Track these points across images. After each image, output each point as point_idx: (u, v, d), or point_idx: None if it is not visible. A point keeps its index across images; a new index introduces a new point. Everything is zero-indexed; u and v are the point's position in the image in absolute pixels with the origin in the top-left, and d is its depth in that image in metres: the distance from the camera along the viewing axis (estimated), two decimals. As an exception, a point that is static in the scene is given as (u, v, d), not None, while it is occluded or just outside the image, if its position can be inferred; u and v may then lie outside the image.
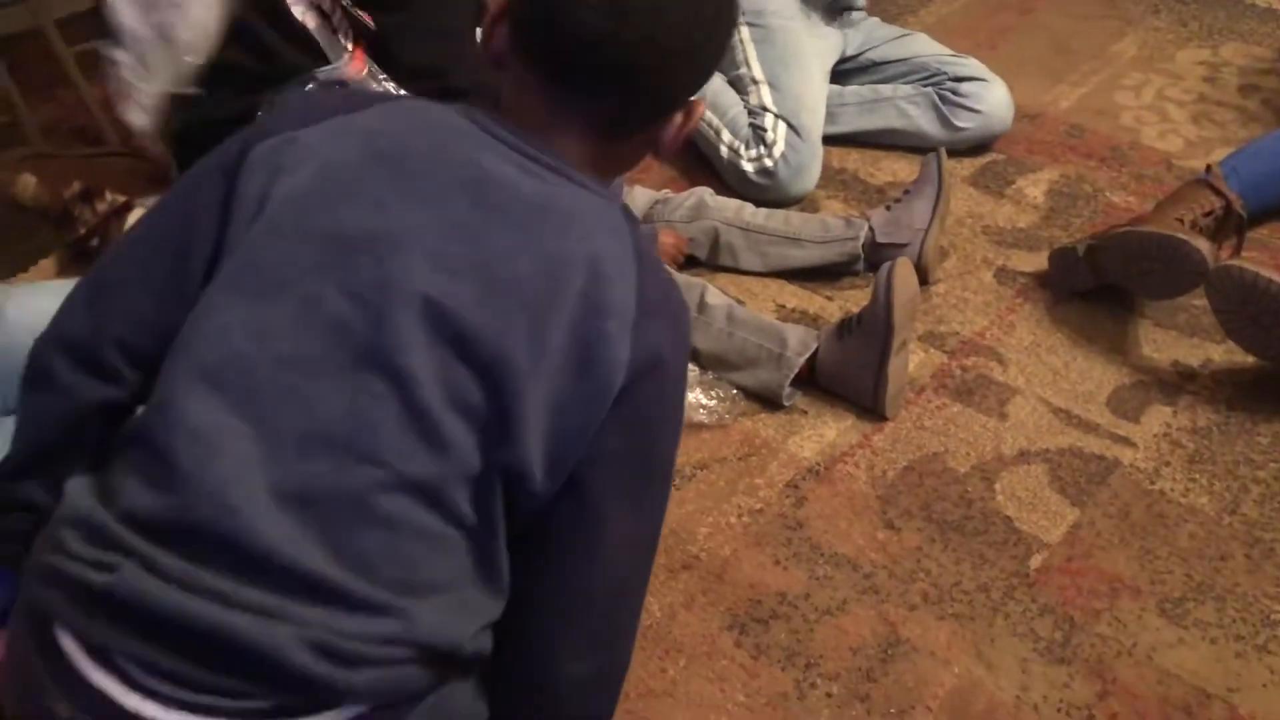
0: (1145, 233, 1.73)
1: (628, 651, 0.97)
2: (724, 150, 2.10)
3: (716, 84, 2.17)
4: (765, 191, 2.06)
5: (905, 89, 2.21)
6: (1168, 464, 1.60)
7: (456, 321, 0.82)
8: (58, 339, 0.92)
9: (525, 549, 0.89)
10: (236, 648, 0.77)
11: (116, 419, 0.92)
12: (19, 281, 1.73)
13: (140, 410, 0.88)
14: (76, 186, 1.82)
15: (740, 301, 1.82)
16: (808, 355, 1.65)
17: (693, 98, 0.94)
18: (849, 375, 1.66)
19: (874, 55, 2.28)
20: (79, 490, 0.85)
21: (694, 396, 1.64)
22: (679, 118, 0.93)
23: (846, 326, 1.66)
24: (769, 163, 2.05)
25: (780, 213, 1.97)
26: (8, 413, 1.35)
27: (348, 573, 0.80)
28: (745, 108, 2.12)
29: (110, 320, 0.90)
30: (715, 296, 1.73)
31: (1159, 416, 1.67)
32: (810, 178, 2.08)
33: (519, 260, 0.84)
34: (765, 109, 2.09)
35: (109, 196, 1.82)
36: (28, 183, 1.82)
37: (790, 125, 2.07)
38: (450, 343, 0.82)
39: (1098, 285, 1.84)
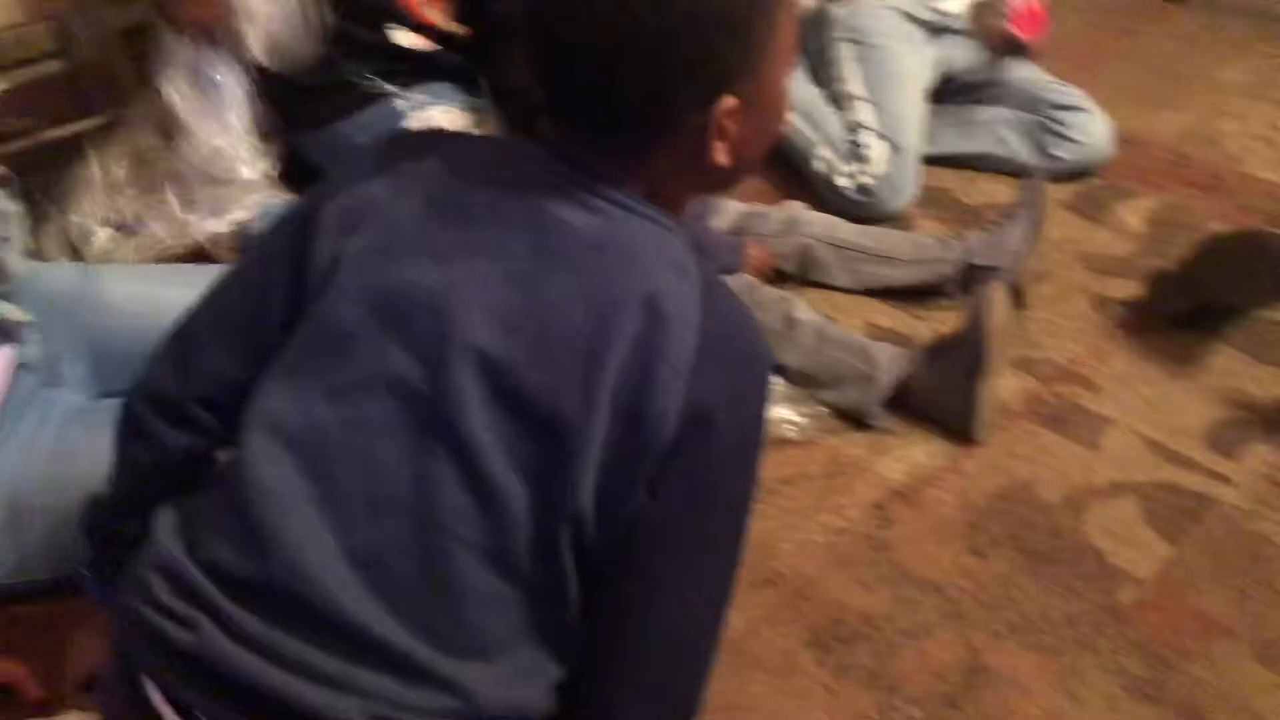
0: (1232, 231, 1.72)
1: (695, 709, 0.93)
2: (821, 165, 2.09)
3: (813, 97, 2.17)
4: (861, 208, 2.05)
5: (1004, 114, 2.19)
6: (1266, 503, 1.56)
7: (511, 378, 0.81)
8: (148, 396, 0.97)
9: (589, 608, 0.86)
10: (309, 717, 0.79)
11: (206, 462, 0.97)
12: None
13: (225, 457, 0.92)
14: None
15: (831, 319, 1.81)
16: (898, 376, 1.64)
17: (722, 96, 0.83)
18: (940, 399, 1.64)
19: (974, 77, 2.25)
20: (167, 533, 0.87)
21: (782, 412, 1.63)
22: (712, 122, 0.82)
23: (938, 349, 1.65)
24: (867, 180, 2.04)
25: (873, 230, 1.96)
26: (107, 395, 1.40)
27: (414, 639, 0.81)
28: (843, 123, 2.11)
29: (195, 380, 0.95)
30: (805, 313, 1.73)
31: (1258, 454, 1.63)
32: (907, 196, 2.07)
33: (573, 308, 0.81)
34: (865, 126, 2.08)
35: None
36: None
37: (890, 143, 2.06)
38: (507, 400, 0.81)
39: (1195, 306, 1.81)
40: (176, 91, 1.78)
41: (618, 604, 0.85)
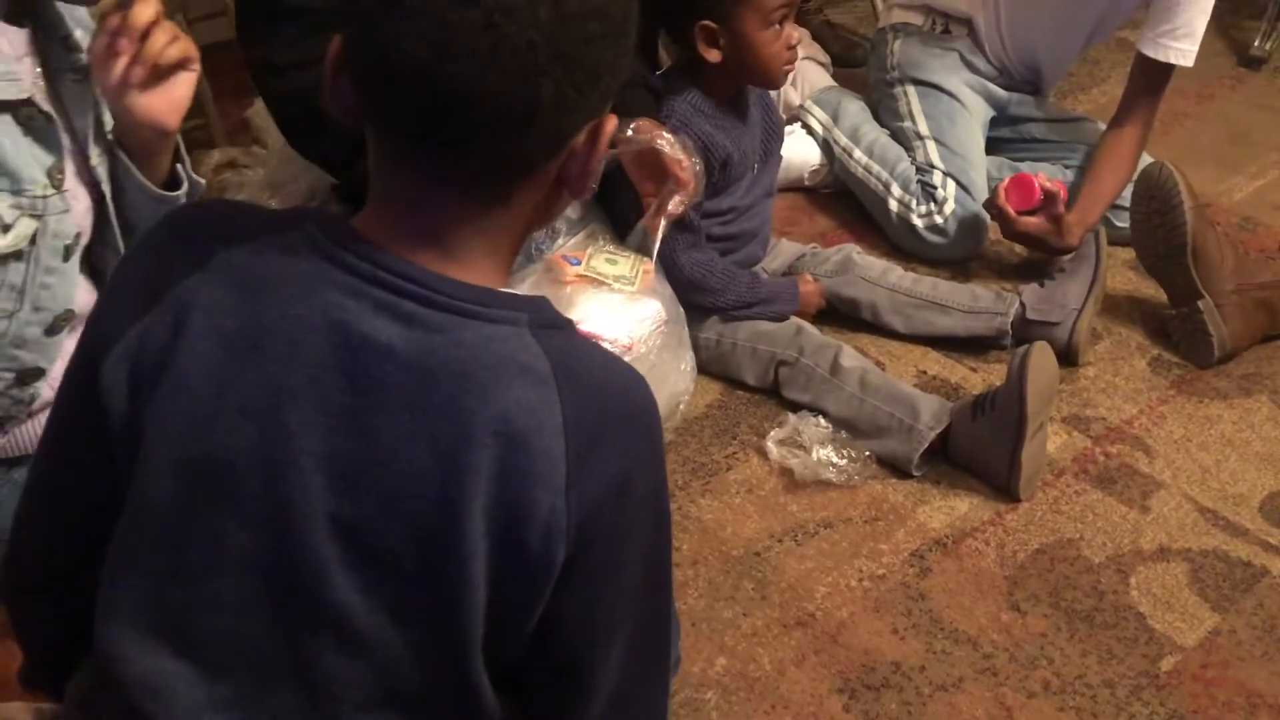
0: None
1: None
2: (894, 205, 2.08)
3: (881, 138, 2.17)
4: (936, 249, 2.05)
5: (1069, 176, 2.15)
6: (1321, 579, 1.51)
7: (369, 536, 0.72)
8: (18, 586, 0.88)
9: (517, 702, 0.80)
10: None
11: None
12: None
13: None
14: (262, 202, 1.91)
15: (880, 364, 1.80)
16: (940, 430, 1.62)
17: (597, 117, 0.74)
18: (981, 456, 1.62)
19: (1037, 131, 2.23)
20: (73, 704, 0.83)
21: (825, 454, 1.62)
22: (581, 143, 0.73)
23: (980, 406, 1.63)
24: (939, 220, 2.03)
25: (928, 279, 1.94)
26: None
27: None
28: (913, 163, 2.11)
29: (49, 566, 0.86)
30: (850, 359, 1.72)
31: (1315, 528, 1.59)
32: (981, 236, 2.06)
33: (416, 453, 0.70)
34: (934, 166, 2.07)
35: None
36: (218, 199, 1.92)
37: (959, 183, 2.05)
38: (369, 560, 0.72)
39: (1231, 345, 1.84)
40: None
41: (545, 695, 0.80)
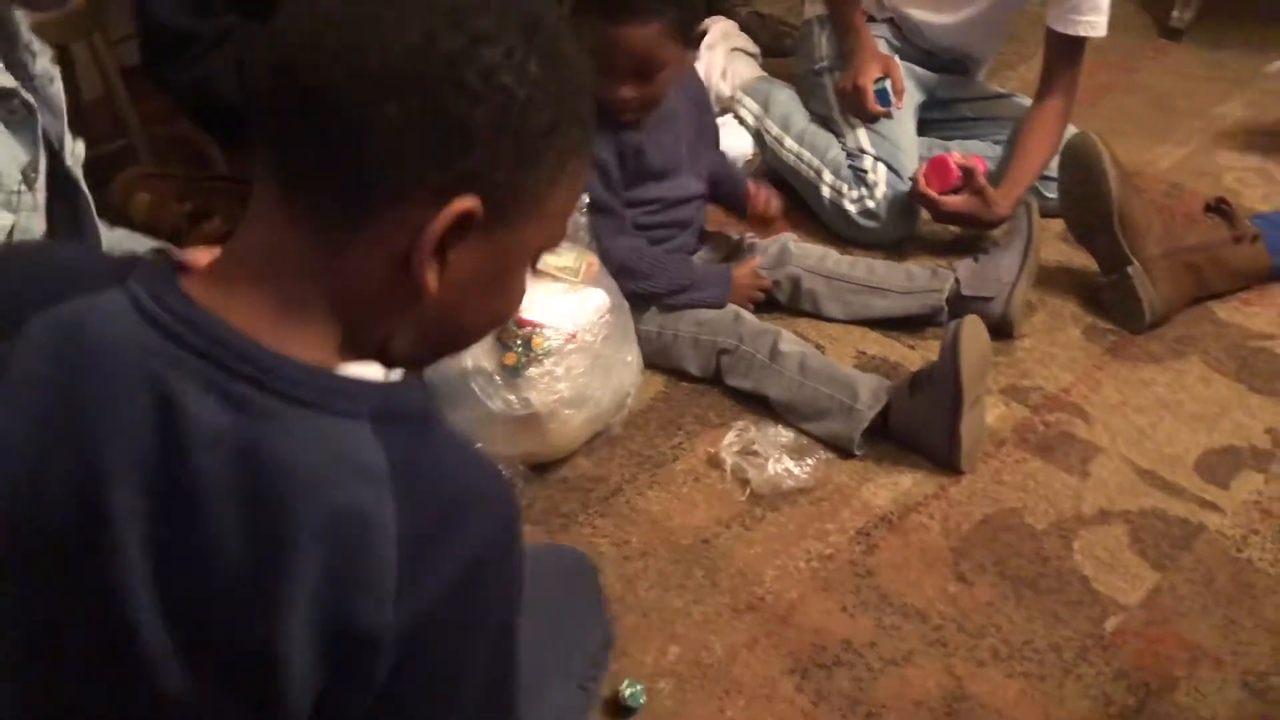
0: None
1: None
2: (826, 191, 2.10)
3: (811, 126, 2.19)
4: (869, 233, 2.07)
5: (999, 151, 2.18)
6: (1257, 532, 1.54)
7: (195, 628, 0.67)
8: None
9: None
10: None
11: None
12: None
13: None
14: (188, 207, 1.89)
15: (820, 347, 1.82)
16: (879, 408, 1.64)
17: (458, 197, 0.66)
18: (921, 432, 1.64)
19: (967, 110, 2.26)
20: None
21: (783, 466, 1.61)
22: (427, 219, 0.66)
23: (917, 383, 1.65)
24: (871, 204, 2.05)
25: (864, 261, 1.96)
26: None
27: None
28: (843, 149, 2.12)
29: None
30: (789, 344, 1.73)
31: (1250, 483, 1.62)
32: (914, 217, 2.08)
33: (237, 548, 0.64)
34: (864, 151, 2.09)
35: (216, 220, 1.89)
36: (141, 201, 1.90)
37: (889, 167, 2.07)
38: (195, 650, 0.67)
39: (1162, 309, 1.88)
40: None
41: None
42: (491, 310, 0.76)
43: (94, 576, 0.66)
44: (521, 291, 0.76)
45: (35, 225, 1.13)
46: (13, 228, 1.10)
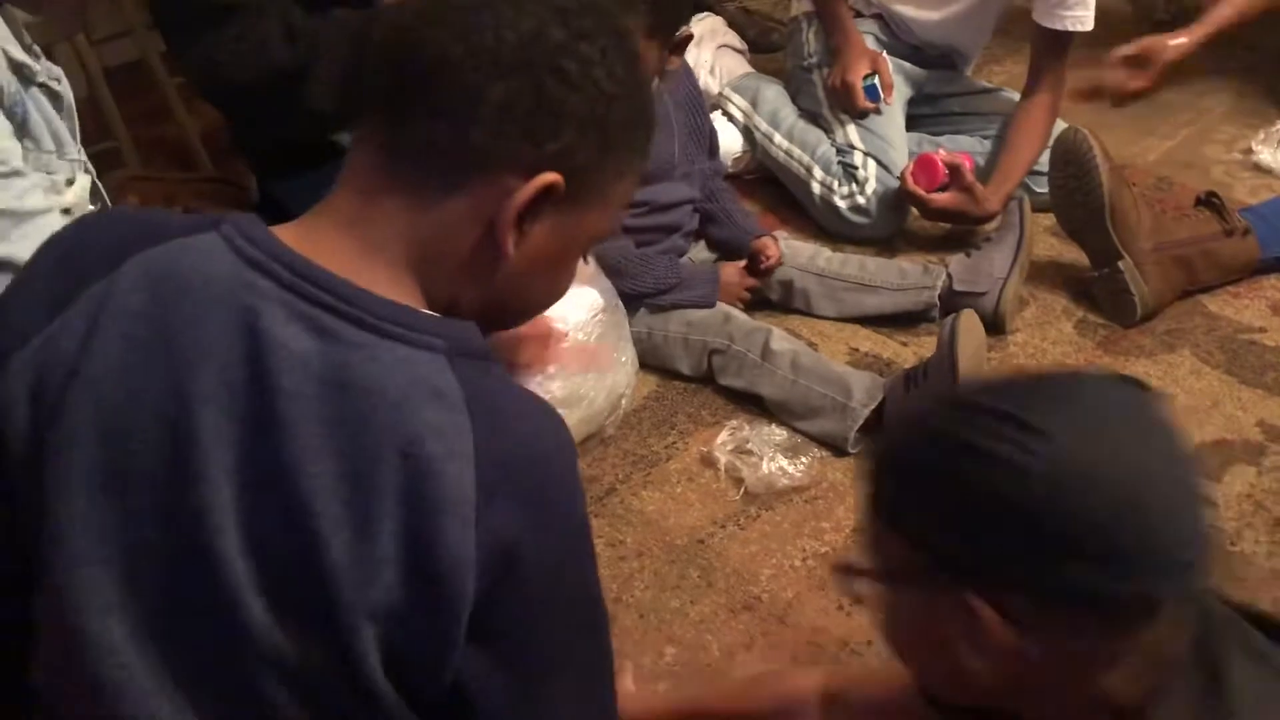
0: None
1: None
2: (816, 187, 2.10)
3: (800, 122, 2.19)
4: (860, 229, 2.07)
5: (988, 146, 2.18)
6: (1250, 525, 1.55)
7: (274, 551, 0.70)
8: None
9: None
10: None
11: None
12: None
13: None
14: (177, 210, 1.89)
15: (812, 345, 1.81)
16: (873, 406, 1.64)
17: (544, 173, 0.73)
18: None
19: (955, 105, 2.26)
20: None
21: (777, 465, 1.61)
22: (516, 188, 0.73)
23: (913, 378, 1.64)
24: (862, 200, 2.05)
25: (855, 258, 1.96)
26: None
27: None
28: (832, 145, 2.12)
29: None
30: (781, 342, 1.73)
31: (1242, 476, 1.62)
32: (904, 213, 2.08)
33: (323, 466, 0.68)
34: (853, 146, 2.09)
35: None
36: (130, 205, 1.89)
37: (879, 162, 2.07)
38: (275, 578, 0.70)
39: (1153, 303, 1.88)
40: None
41: None
42: (547, 289, 0.83)
43: (181, 498, 0.69)
44: (571, 277, 0.83)
45: (89, 191, 1.27)
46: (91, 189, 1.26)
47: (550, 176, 0.73)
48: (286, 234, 0.74)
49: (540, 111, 0.72)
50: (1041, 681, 0.74)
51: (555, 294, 0.84)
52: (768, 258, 1.89)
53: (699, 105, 1.93)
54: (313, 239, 0.73)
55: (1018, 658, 0.71)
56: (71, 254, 0.76)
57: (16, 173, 1.13)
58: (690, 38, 1.74)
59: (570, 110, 0.73)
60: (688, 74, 1.96)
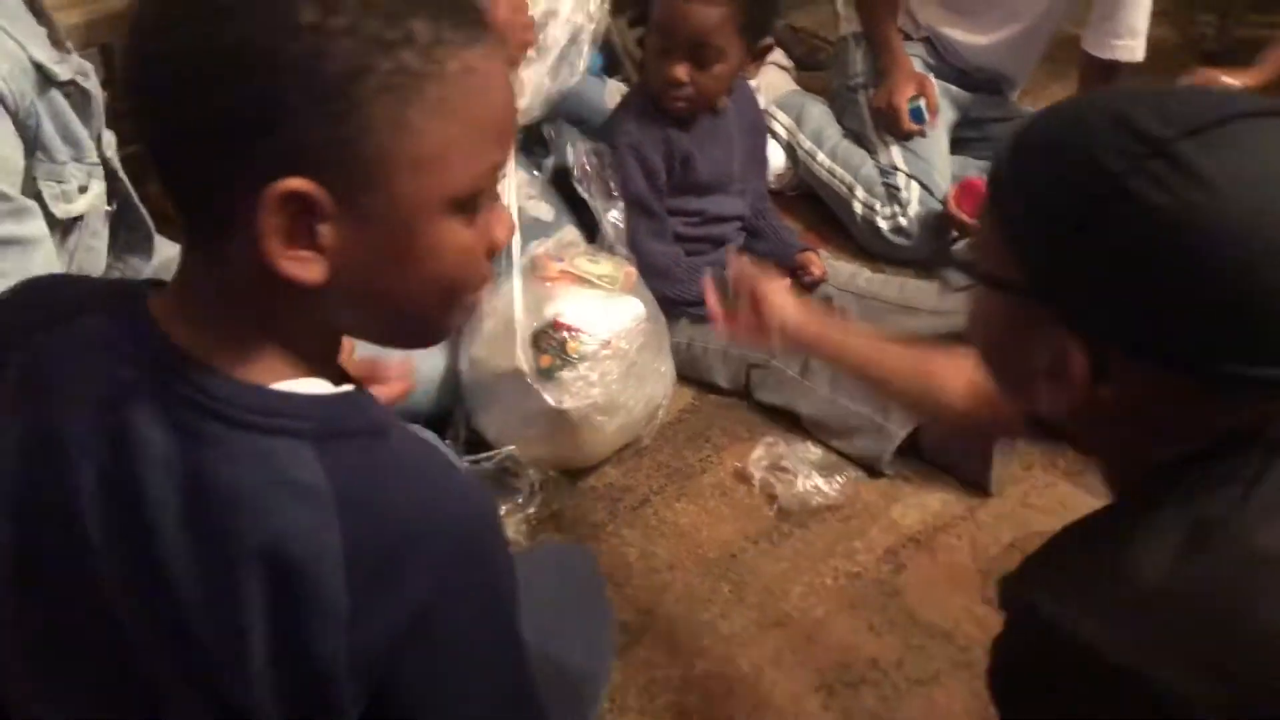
0: None
1: None
2: (858, 207, 2.11)
3: (844, 141, 2.19)
4: (901, 250, 2.07)
5: None
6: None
7: (171, 652, 0.66)
8: None
9: None
10: None
11: None
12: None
13: None
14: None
15: (850, 364, 1.82)
16: (910, 428, 1.64)
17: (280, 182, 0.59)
18: (953, 450, 1.64)
19: (998, 130, 2.26)
20: None
21: (813, 483, 1.61)
22: (263, 207, 0.59)
23: None
24: (904, 221, 2.06)
25: (896, 279, 1.96)
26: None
27: None
28: (876, 165, 2.13)
29: None
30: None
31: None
32: (946, 235, 2.09)
33: (194, 574, 0.63)
34: (896, 168, 2.10)
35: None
36: None
37: (922, 185, 2.07)
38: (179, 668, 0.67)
39: None
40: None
41: None
42: (427, 277, 0.66)
43: (91, 600, 0.66)
44: (463, 247, 0.66)
45: (104, 195, 1.26)
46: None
47: (287, 185, 0.59)
48: (160, 309, 0.67)
49: (230, 114, 0.58)
50: (1101, 426, 0.71)
51: (449, 275, 0.67)
52: (811, 273, 1.90)
53: (760, 130, 1.97)
54: (179, 316, 0.66)
55: (1089, 401, 0.68)
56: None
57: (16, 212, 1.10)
58: (771, 47, 1.76)
59: (272, 99, 0.58)
60: (753, 99, 1.98)
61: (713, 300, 1.25)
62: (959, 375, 1.02)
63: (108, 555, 0.65)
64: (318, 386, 0.67)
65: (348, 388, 0.68)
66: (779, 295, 1.18)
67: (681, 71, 1.69)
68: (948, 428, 1.26)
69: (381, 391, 0.90)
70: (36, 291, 0.76)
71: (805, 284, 1.91)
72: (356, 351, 0.88)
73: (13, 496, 0.68)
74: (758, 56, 1.76)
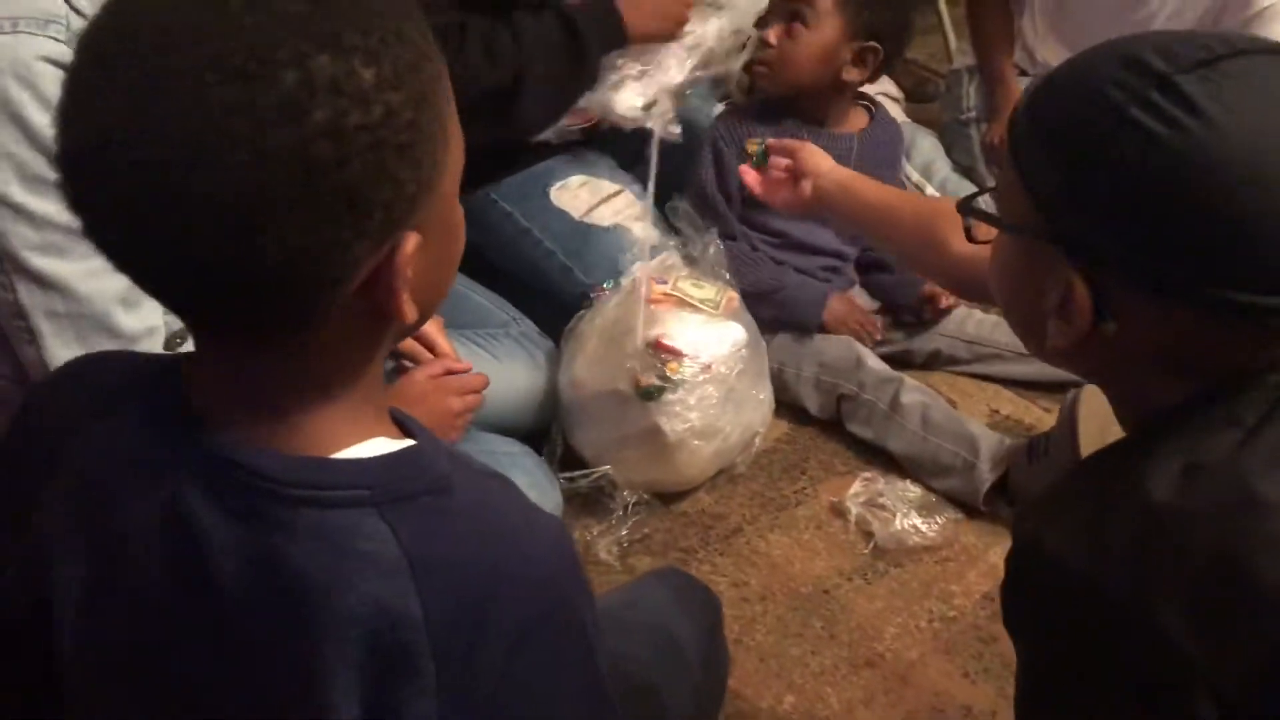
0: None
1: None
2: None
3: (953, 175, 2.18)
4: None
5: None
6: None
7: None
8: None
9: None
10: None
11: None
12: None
13: None
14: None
15: (952, 403, 1.78)
16: (1001, 472, 1.60)
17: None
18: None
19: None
20: None
21: (911, 522, 1.58)
22: (393, 274, 0.61)
23: (1035, 449, 1.59)
24: None
25: (1005, 323, 1.92)
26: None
27: None
28: None
29: None
30: (912, 394, 1.70)
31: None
32: None
33: (274, 663, 0.62)
34: None
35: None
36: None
37: None
38: None
39: None
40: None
41: None
42: (456, 257, 0.70)
43: (179, 696, 0.66)
44: (460, 214, 0.68)
45: None
46: None
47: (409, 245, 0.60)
48: (199, 390, 0.66)
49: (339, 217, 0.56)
50: (1108, 366, 0.76)
51: (463, 239, 0.70)
52: (941, 303, 1.86)
53: (894, 165, 1.92)
54: (222, 397, 0.65)
55: (1094, 338, 0.71)
56: (27, 430, 0.74)
57: None
58: (877, 53, 1.73)
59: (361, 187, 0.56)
60: (898, 135, 1.94)
61: (748, 170, 1.39)
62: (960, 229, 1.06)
63: (186, 651, 0.64)
64: (378, 446, 0.65)
65: (408, 443, 0.66)
66: (811, 148, 1.34)
67: (773, 33, 1.68)
68: (950, 284, 1.30)
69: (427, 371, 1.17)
70: (81, 375, 0.76)
71: (941, 309, 1.87)
72: None
73: (83, 604, 0.67)
74: (859, 61, 1.73)
